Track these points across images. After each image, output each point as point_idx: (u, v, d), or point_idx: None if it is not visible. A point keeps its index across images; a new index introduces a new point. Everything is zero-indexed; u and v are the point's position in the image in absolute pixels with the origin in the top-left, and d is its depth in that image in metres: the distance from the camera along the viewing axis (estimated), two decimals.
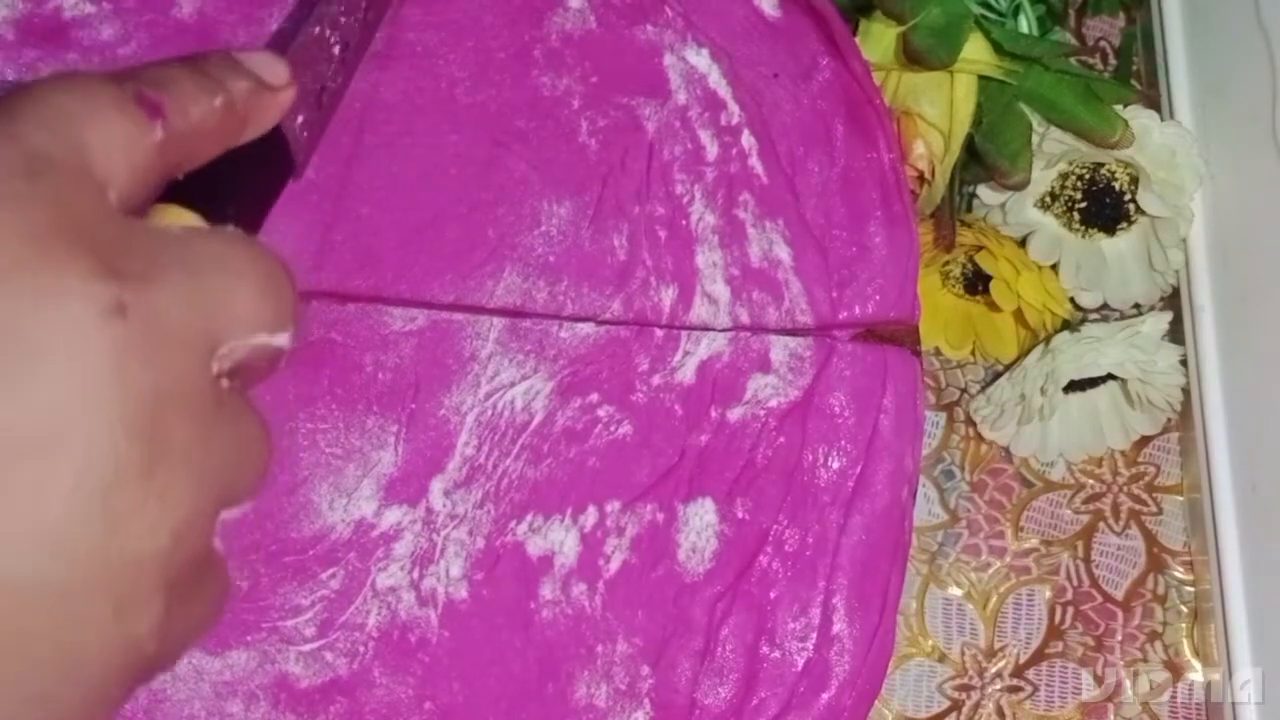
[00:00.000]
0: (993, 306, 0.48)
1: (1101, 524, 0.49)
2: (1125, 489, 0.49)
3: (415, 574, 0.38)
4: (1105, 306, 0.49)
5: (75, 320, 0.21)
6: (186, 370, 0.23)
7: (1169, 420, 0.49)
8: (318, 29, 0.36)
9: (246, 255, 0.25)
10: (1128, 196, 0.47)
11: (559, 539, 0.38)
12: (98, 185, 0.24)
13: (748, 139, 0.42)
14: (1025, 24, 0.48)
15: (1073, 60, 0.47)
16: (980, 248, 0.47)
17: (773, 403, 0.40)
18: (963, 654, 0.47)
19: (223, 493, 0.24)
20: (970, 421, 0.50)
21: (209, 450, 0.23)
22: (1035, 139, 0.46)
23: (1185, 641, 0.47)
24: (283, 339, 0.26)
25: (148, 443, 0.22)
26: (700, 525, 0.39)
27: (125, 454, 0.21)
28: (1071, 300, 0.48)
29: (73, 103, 0.24)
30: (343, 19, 0.37)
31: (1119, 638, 0.47)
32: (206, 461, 0.23)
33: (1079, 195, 0.47)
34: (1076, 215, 0.47)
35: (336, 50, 0.37)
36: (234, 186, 0.29)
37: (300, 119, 0.33)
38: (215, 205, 0.28)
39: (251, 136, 0.30)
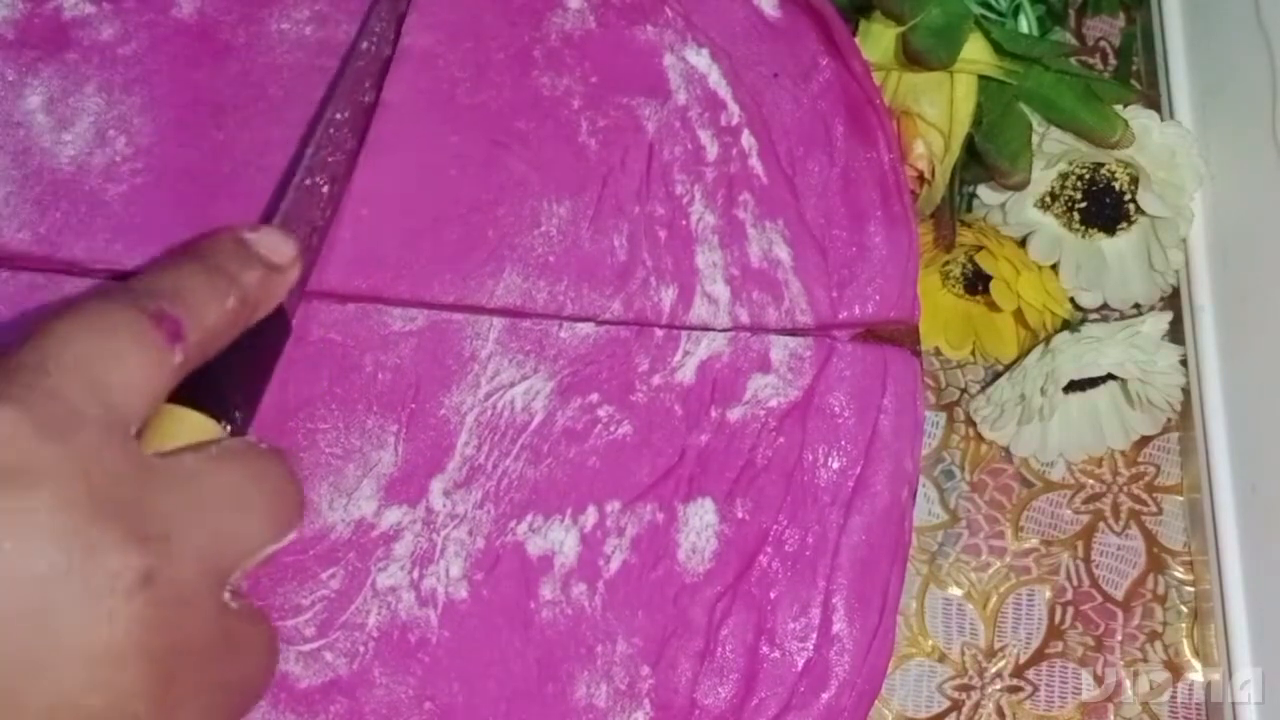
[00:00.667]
0: (993, 306, 0.48)
1: (1101, 524, 0.49)
2: (1125, 489, 0.49)
3: (415, 574, 0.38)
4: (1105, 306, 0.49)
5: (104, 596, 0.22)
6: (201, 618, 0.24)
7: (1169, 420, 0.49)
8: (309, 180, 0.36)
9: (255, 480, 0.26)
10: (1128, 196, 0.47)
11: (559, 539, 0.38)
12: (123, 430, 0.24)
13: (748, 139, 0.42)
14: (1025, 24, 0.48)
15: (1073, 60, 0.47)
16: (980, 248, 0.47)
17: (773, 403, 0.40)
18: (963, 654, 0.47)
19: (232, 710, 0.26)
20: (970, 421, 0.50)
21: (219, 683, 0.25)
22: (1035, 139, 0.46)
23: (1185, 641, 0.47)
24: (289, 538, 0.27)
25: (163, 701, 0.23)
26: (700, 525, 0.39)
27: (142, 717, 0.23)
28: (1071, 300, 0.48)
29: (96, 346, 0.25)
30: (330, 159, 0.37)
31: (1119, 638, 0.47)
32: (216, 695, 0.25)
33: (1079, 195, 0.47)
34: (1076, 215, 0.47)
35: (326, 190, 0.37)
36: (234, 363, 0.29)
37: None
38: (218, 391, 0.28)
39: (259, 318, 0.30)
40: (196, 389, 0.27)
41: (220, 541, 0.25)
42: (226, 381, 0.29)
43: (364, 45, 0.40)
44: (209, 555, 0.24)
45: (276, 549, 0.26)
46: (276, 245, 0.31)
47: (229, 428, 0.28)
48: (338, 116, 0.38)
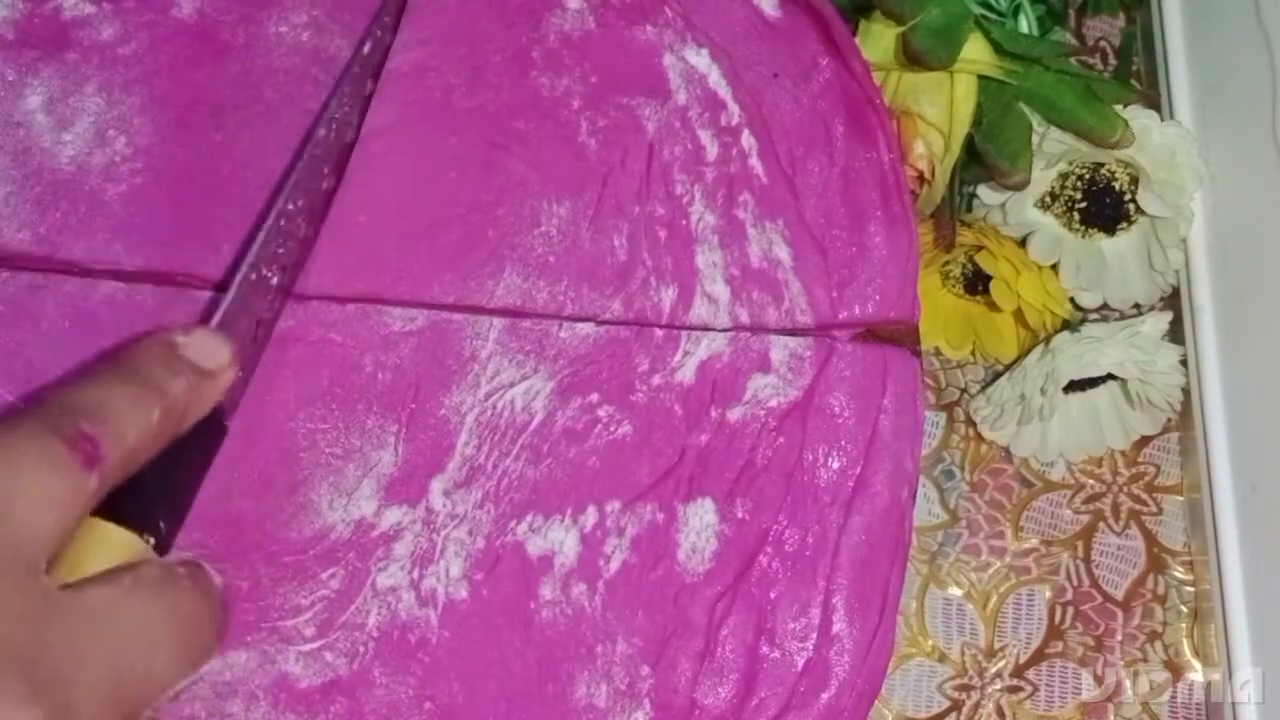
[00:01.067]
0: (993, 306, 0.48)
1: (1101, 524, 0.49)
2: (1125, 489, 0.49)
3: (415, 574, 0.38)
4: (1105, 306, 0.49)
5: None
6: None
7: (1169, 420, 0.49)
8: (255, 273, 0.34)
9: (166, 613, 0.25)
10: (1128, 196, 0.47)
11: (559, 539, 0.38)
12: (26, 567, 0.23)
13: (748, 139, 0.42)
14: (1025, 24, 0.48)
15: (1073, 60, 0.47)
16: (980, 248, 0.47)
17: (773, 403, 0.40)
18: (963, 654, 0.47)
19: None
20: (970, 421, 0.50)
21: None
22: (1035, 139, 0.46)
23: (1185, 641, 0.47)
24: (203, 669, 0.26)
25: None
26: (700, 525, 0.39)
27: None
28: (1071, 300, 0.48)
29: (1, 478, 0.23)
30: (280, 250, 0.36)
31: (1119, 638, 0.47)
32: None
33: (1079, 195, 0.47)
34: (1076, 215, 0.47)
35: (275, 280, 0.35)
36: (161, 473, 0.27)
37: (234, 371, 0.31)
38: (142, 504, 0.27)
39: (188, 426, 0.28)
40: (119, 502, 0.26)
41: (125, 681, 0.24)
42: (151, 493, 0.27)
43: (321, 132, 0.38)
44: (112, 696, 0.23)
45: (189, 683, 0.25)
46: (209, 350, 0.29)
47: (152, 541, 0.27)
48: (290, 207, 0.36)
